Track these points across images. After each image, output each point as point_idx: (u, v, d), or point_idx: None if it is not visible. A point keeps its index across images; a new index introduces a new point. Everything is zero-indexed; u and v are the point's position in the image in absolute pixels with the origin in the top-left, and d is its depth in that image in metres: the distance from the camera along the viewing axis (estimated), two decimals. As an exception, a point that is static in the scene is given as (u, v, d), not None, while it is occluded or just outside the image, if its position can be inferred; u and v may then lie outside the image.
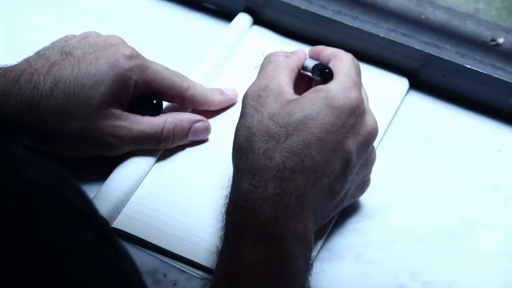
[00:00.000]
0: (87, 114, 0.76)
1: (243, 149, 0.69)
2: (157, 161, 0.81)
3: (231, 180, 0.70)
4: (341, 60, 0.73)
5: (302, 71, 0.75)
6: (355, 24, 0.87)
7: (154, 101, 0.80)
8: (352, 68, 0.72)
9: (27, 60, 0.77)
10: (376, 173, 0.80)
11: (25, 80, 0.75)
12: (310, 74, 0.74)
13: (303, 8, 0.88)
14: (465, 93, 0.85)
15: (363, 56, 0.87)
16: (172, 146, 0.80)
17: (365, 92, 0.73)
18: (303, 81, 0.75)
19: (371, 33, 0.86)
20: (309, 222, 0.67)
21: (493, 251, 0.76)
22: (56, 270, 0.47)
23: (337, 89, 0.69)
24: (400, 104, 0.85)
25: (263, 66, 0.73)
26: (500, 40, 0.86)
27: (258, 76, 0.72)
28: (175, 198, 0.78)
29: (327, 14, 0.88)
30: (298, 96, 0.70)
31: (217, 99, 0.83)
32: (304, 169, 0.67)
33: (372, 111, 0.83)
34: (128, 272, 0.51)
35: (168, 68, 0.80)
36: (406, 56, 0.86)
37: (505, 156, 0.82)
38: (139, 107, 0.79)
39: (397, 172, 0.81)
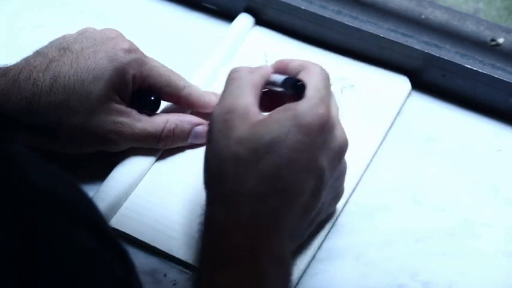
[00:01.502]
0: (88, 109, 0.76)
1: (214, 176, 0.68)
2: (157, 161, 0.81)
3: (203, 208, 0.69)
4: (310, 73, 0.70)
5: (269, 86, 0.72)
6: (355, 24, 0.87)
7: (153, 98, 0.80)
8: (321, 81, 0.69)
9: (26, 59, 0.77)
10: (376, 173, 0.80)
11: (24, 77, 0.75)
12: (279, 89, 0.71)
13: (303, 8, 0.88)
14: (465, 93, 0.85)
15: (363, 56, 0.87)
16: (171, 147, 0.80)
17: (335, 103, 0.71)
18: (268, 97, 0.72)
19: (371, 33, 0.86)
20: (284, 243, 0.67)
21: (493, 251, 0.76)
22: (55, 275, 0.47)
23: (304, 106, 0.67)
24: (402, 106, 0.85)
25: (226, 84, 0.70)
26: (500, 40, 0.86)
27: (222, 95, 0.70)
28: (174, 199, 0.78)
29: (327, 14, 0.88)
30: (264, 116, 0.68)
31: (213, 101, 0.82)
32: (277, 191, 0.66)
33: (373, 112, 0.83)
34: (126, 276, 0.51)
35: (165, 66, 0.80)
36: (406, 56, 0.86)
37: (505, 156, 0.82)
38: (138, 102, 0.79)
39: (397, 172, 0.81)
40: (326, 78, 0.70)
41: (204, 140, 0.80)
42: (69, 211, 0.50)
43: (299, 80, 0.69)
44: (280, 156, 0.66)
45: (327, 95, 0.69)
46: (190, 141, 0.81)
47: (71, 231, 0.49)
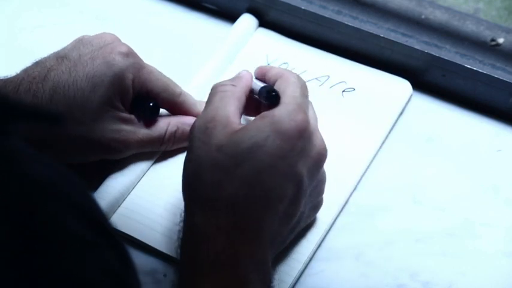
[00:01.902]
0: (91, 118, 0.75)
1: (193, 183, 0.68)
2: (156, 161, 0.81)
3: (182, 215, 0.69)
4: (286, 82, 0.71)
5: (252, 94, 0.73)
6: (355, 24, 0.87)
7: (152, 104, 0.80)
8: (298, 89, 0.70)
9: (25, 70, 0.76)
10: (376, 173, 0.80)
11: (24, 89, 0.74)
12: (257, 96, 0.73)
13: (303, 8, 0.88)
14: (465, 93, 0.85)
15: (363, 56, 0.87)
16: (172, 148, 0.80)
17: (313, 111, 0.72)
18: (254, 104, 0.73)
19: (371, 33, 0.86)
20: (265, 248, 0.67)
21: (493, 251, 0.76)
22: (53, 267, 0.47)
23: (282, 113, 0.68)
24: (403, 109, 0.85)
25: (210, 98, 0.71)
26: (500, 40, 0.86)
27: (205, 108, 0.71)
28: (172, 199, 0.78)
29: (327, 14, 0.88)
30: (245, 125, 0.69)
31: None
32: (257, 197, 0.66)
33: (374, 116, 0.83)
34: (124, 273, 0.51)
35: (161, 72, 0.80)
36: (406, 56, 0.86)
37: (505, 156, 0.82)
38: (137, 109, 0.79)
39: (397, 172, 0.81)
40: (303, 87, 0.71)
41: None
42: (69, 205, 0.50)
43: (274, 90, 0.71)
44: (259, 162, 0.66)
45: (304, 102, 0.70)
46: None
47: (71, 226, 0.49)
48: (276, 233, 0.68)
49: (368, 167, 0.81)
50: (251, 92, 0.73)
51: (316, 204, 0.74)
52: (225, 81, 0.73)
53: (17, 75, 0.76)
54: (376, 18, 0.88)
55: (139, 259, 0.75)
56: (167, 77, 0.80)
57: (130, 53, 0.77)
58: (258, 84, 0.74)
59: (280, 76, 0.73)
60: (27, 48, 0.78)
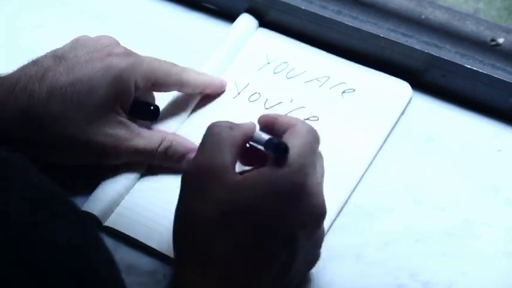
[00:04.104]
0: (86, 120, 0.75)
1: (184, 237, 0.66)
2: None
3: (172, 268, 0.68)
4: (296, 135, 0.67)
5: (252, 142, 0.69)
6: (355, 24, 0.87)
7: (152, 107, 0.80)
8: (306, 145, 0.67)
9: (21, 69, 0.76)
10: (376, 173, 0.80)
11: (20, 88, 0.74)
12: (262, 148, 0.68)
13: (303, 8, 0.88)
14: (465, 93, 0.85)
15: (363, 56, 0.87)
16: (165, 165, 0.79)
17: (321, 166, 0.69)
18: (251, 153, 0.70)
19: (371, 33, 0.86)
20: None
21: (493, 251, 0.76)
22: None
23: (281, 173, 0.65)
24: (403, 112, 0.85)
25: (204, 139, 0.68)
26: (500, 40, 0.86)
27: (198, 150, 0.67)
28: (172, 199, 0.78)
29: (327, 14, 0.88)
30: (241, 177, 0.65)
31: (209, 78, 0.84)
32: (250, 258, 0.64)
33: (374, 118, 0.83)
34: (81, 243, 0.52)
35: (158, 59, 0.80)
36: (406, 56, 0.86)
37: (505, 156, 0.82)
38: (137, 112, 0.79)
39: (397, 172, 0.81)
40: (312, 142, 0.68)
41: None
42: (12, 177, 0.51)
43: (282, 143, 0.66)
44: (253, 223, 0.64)
45: (308, 163, 0.66)
46: (182, 165, 0.78)
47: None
48: None
49: (368, 167, 0.81)
50: (253, 140, 0.69)
51: (312, 262, 0.71)
52: (222, 122, 0.69)
53: (13, 74, 0.76)
54: (376, 18, 0.88)
55: (140, 259, 0.75)
56: (166, 61, 0.80)
57: (127, 53, 0.77)
58: (263, 136, 0.69)
59: (290, 127, 0.68)
60: (27, 48, 0.78)
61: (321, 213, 0.67)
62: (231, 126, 0.69)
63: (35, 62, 0.76)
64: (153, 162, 0.79)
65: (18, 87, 0.74)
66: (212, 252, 0.64)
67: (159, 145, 0.78)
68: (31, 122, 0.74)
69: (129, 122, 0.77)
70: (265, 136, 0.69)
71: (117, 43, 0.79)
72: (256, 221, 0.64)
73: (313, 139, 0.68)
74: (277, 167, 0.65)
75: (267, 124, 0.71)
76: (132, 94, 0.78)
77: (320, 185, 0.68)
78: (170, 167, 0.79)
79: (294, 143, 0.66)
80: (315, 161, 0.68)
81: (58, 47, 0.78)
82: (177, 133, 0.82)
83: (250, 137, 0.69)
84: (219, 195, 0.65)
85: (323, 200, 0.67)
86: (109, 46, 0.77)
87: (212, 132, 0.68)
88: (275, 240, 0.65)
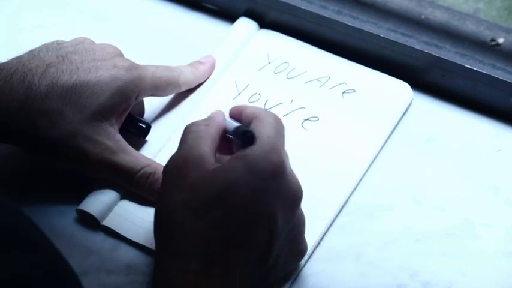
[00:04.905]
0: (80, 122, 0.74)
1: (163, 229, 0.66)
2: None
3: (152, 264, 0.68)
4: (262, 122, 0.69)
5: (225, 134, 0.72)
6: (355, 24, 0.87)
7: (144, 126, 0.80)
8: (273, 130, 0.68)
9: (18, 59, 0.76)
10: (376, 173, 0.80)
11: (17, 79, 0.74)
12: (231, 136, 0.71)
13: (303, 8, 0.88)
14: (465, 93, 0.85)
15: (363, 56, 0.87)
16: (144, 194, 0.77)
17: (286, 153, 0.69)
18: (228, 144, 0.72)
19: (371, 33, 0.86)
20: None
21: (493, 251, 0.76)
22: None
23: (257, 154, 0.66)
24: (403, 114, 0.85)
25: (183, 137, 0.69)
26: (500, 40, 0.86)
27: (178, 147, 0.69)
28: None
29: (327, 14, 0.88)
30: (218, 165, 0.66)
31: (202, 71, 0.85)
32: (228, 244, 0.64)
33: (374, 119, 0.83)
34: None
35: (158, 66, 0.80)
36: (406, 56, 0.86)
37: (505, 156, 0.82)
38: (129, 127, 0.79)
39: (397, 172, 0.81)
40: (279, 127, 0.69)
41: None
42: None
43: (249, 131, 0.69)
44: (231, 205, 0.64)
45: (279, 143, 0.68)
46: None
47: None
48: (249, 275, 0.65)
49: (368, 168, 0.81)
50: (225, 131, 0.72)
51: (298, 251, 0.71)
52: (198, 121, 0.71)
53: (8, 63, 0.75)
54: (376, 18, 0.88)
55: (140, 259, 0.75)
56: (164, 68, 0.81)
57: (133, 67, 0.77)
58: (233, 124, 0.72)
59: (256, 116, 0.70)
60: (27, 48, 0.78)
61: (298, 194, 0.67)
62: (206, 122, 0.71)
63: (34, 55, 0.76)
64: (131, 186, 0.76)
65: (16, 77, 0.74)
66: (190, 241, 0.64)
67: (142, 168, 0.76)
68: (25, 114, 0.73)
69: (119, 136, 0.76)
70: (235, 124, 0.72)
71: (121, 54, 0.79)
72: (234, 202, 0.64)
73: (279, 123, 0.70)
74: (249, 149, 0.67)
75: (236, 114, 0.73)
76: (130, 107, 0.78)
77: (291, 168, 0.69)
78: (147, 196, 0.77)
79: (262, 129, 0.68)
80: (284, 143, 0.69)
81: (58, 46, 0.78)
82: (175, 133, 0.82)
83: (224, 128, 0.72)
84: (196, 183, 0.65)
85: (298, 181, 0.68)
86: (115, 57, 0.78)
87: (190, 130, 0.70)
88: (253, 220, 0.65)
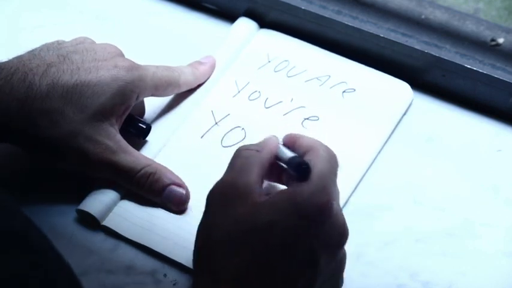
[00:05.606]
0: (81, 121, 0.74)
1: (204, 250, 0.66)
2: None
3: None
4: (317, 156, 0.67)
5: (277, 160, 0.69)
6: (355, 24, 0.87)
7: (145, 126, 0.80)
8: (327, 167, 0.66)
9: (18, 58, 0.76)
10: (377, 173, 0.80)
11: (18, 79, 0.74)
12: (284, 165, 0.69)
13: (303, 8, 0.88)
14: (465, 93, 0.85)
15: (363, 56, 0.87)
16: (144, 194, 0.77)
17: (337, 190, 0.68)
18: (278, 170, 0.70)
19: (371, 33, 0.86)
20: None
21: (493, 251, 0.76)
22: None
23: (306, 193, 0.64)
24: (404, 114, 0.85)
25: (232, 161, 0.68)
26: (500, 40, 0.86)
27: (226, 171, 0.67)
28: None
29: (327, 14, 0.88)
30: (266, 197, 0.65)
31: (202, 71, 0.85)
32: (263, 277, 0.63)
33: (374, 118, 0.83)
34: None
35: (158, 66, 0.80)
36: (406, 56, 0.86)
37: (505, 156, 0.82)
38: (129, 127, 0.79)
39: (397, 172, 0.81)
40: (333, 163, 0.67)
41: (177, 206, 0.77)
42: None
43: (304, 163, 0.66)
44: (273, 240, 0.64)
45: (330, 183, 0.66)
46: (163, 197, 0.77)
47: None
48: None
49: (368, 168, 0.81)
50: (276, 157, 0.69)
51: (335, 286, 0.70)
52: (250, 145, 0.69)
53: (9, 63, 0.75)
54: (376, 18, 0.88)
55: (139, 259, 0.75)
56: (165, 69, 0.81)
57: (134, 67, 0.77)
58: (286, 153, 0.69)
59: (311, 148, 0.68)
60: (27, 48, 0.78)
61: (344, 233, 0.66)
62: (258, 148, 0.69)
63: (35, 55, 0.76)
64: (131, 186, 0.77)
65: (16, 77, 0.74)
66: (226, 269, 0.64)
67: (142, 168, 0.76)
68: (26, 113, 0.73)
69: (119, 136, 0.76)
70: (289, 153, 0.69)
71: (122, 54, 0.79)
72: (274, 240, 0.63)
73: (334, 160, 0.68)
74: (299, 186, 0.65)
75: (290, 142, 0.71)
76: (131, 108, 0.78)
77: (340, 206, 0.67)
78: (147, 196, 0.77)
79: (316, 163, 0.66)
80: (336, 183, 0.67)
81: (58, 46, 0.78)
82: (175, 133, 0.82)
83: (276, 155, 0.69)
84: (241, 213, 0.64)
85: (345, 221, 0.66)
86: (116, 58, 0.78)
87: (240, 155, 0.68)
88: (292, 260, 0.64)
